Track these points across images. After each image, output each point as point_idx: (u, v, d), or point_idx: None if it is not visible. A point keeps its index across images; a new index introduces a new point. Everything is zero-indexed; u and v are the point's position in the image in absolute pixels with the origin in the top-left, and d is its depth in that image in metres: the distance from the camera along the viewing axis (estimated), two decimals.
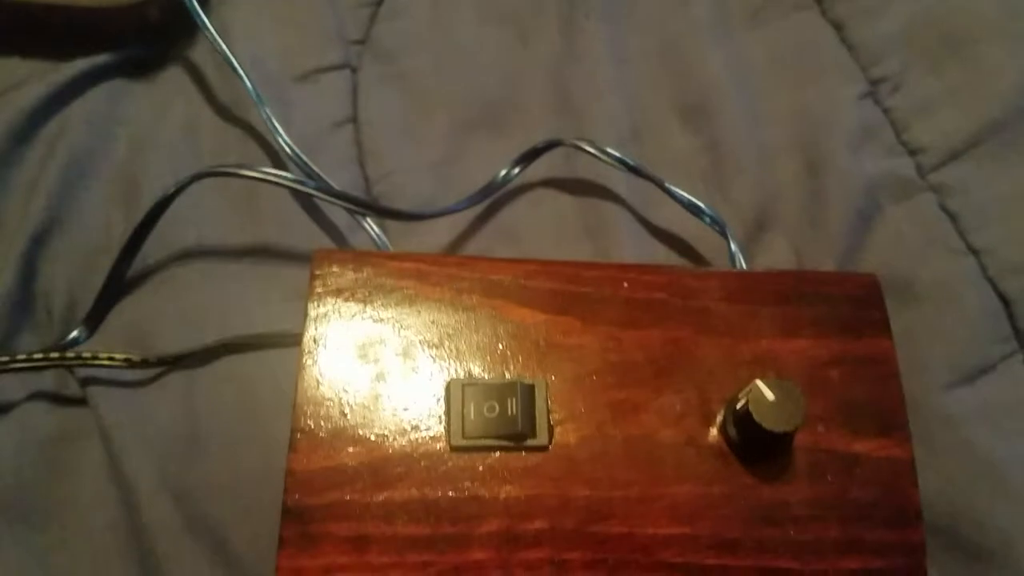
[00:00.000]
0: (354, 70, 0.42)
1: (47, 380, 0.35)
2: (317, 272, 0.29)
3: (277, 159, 0.39)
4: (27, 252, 0.36)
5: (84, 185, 0.38)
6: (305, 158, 0.37)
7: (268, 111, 0.38)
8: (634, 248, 0.38)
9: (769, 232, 0.38)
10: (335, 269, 0.29)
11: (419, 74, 0.42)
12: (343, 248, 0.37)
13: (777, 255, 0.38)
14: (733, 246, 0.35)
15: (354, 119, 0.41)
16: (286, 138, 0.38)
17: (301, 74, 0.41)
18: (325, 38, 0.42)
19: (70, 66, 0.39)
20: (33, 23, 0.40)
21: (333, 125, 0.41)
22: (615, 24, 0.43)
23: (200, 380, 0.34)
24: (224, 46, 0.38)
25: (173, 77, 0.41)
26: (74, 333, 0.35)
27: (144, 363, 0.34)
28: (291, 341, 0.34)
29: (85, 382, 0.34)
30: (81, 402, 0.35)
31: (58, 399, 0.35)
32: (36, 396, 0.34)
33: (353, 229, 0.38)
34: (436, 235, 0.38)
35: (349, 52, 0.42)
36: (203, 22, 0.39)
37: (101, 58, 0.40)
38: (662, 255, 0.38)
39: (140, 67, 0.41)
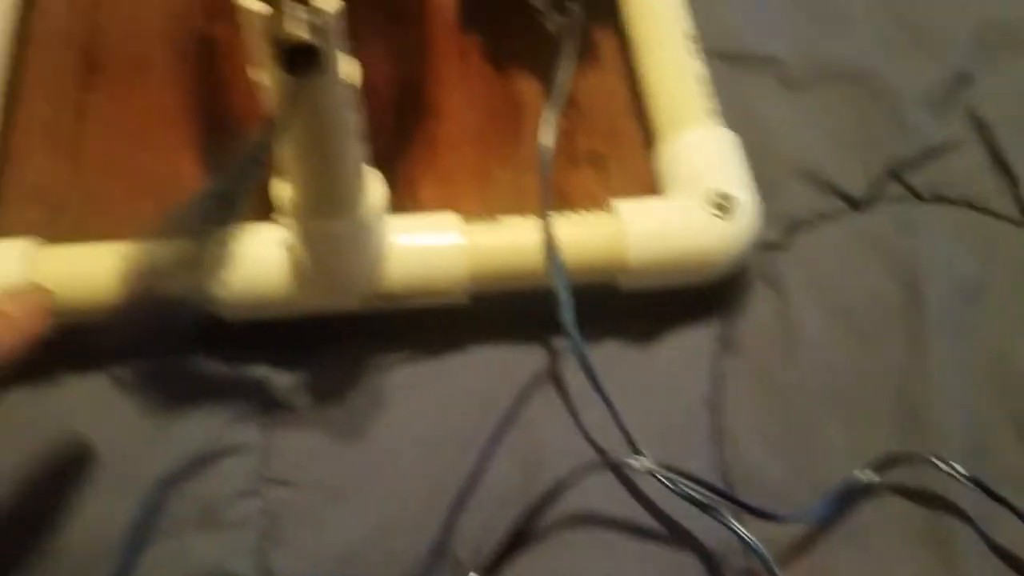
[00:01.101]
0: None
1: None
2: None
3: None
4: (451, 507, 0.44)
5: (496, 453, 0.46)
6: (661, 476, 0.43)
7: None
8: (977, 567, 0.42)
9: None
10: None
11: (770, 365, 0.48)
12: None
13: None
14: None
15: (713, 404, 0.47)
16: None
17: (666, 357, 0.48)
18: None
19: None
20: None
21: (692, 409, 0.47)
22: (958, 341, 0.47)
23: None
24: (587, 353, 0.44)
25: None
26: None
27: None
28: None
29: None
30: None
31: None
32: None
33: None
34: (788, 527, 0.43)
35: None
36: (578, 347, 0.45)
37: None
38: None
39: None
